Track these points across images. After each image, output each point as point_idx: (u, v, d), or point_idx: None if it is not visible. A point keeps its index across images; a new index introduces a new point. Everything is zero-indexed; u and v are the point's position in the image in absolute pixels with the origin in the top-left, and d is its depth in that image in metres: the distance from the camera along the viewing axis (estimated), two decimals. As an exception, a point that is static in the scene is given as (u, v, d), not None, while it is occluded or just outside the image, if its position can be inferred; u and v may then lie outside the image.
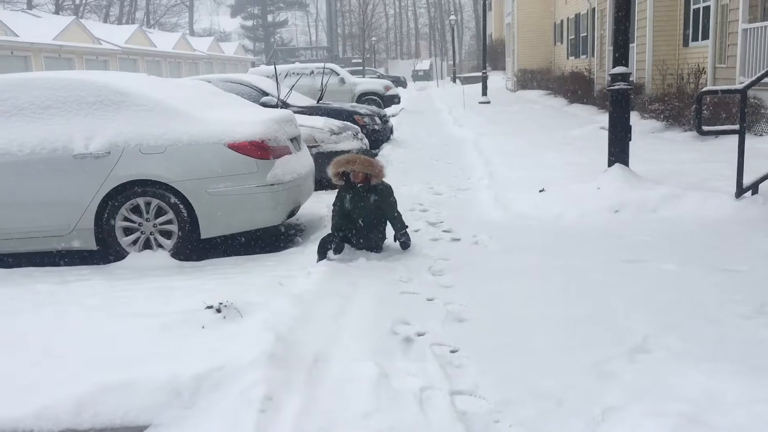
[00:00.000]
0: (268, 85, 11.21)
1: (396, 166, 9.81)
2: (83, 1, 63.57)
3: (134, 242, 5.36)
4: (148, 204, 5.28)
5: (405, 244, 5.11)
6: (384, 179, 5.15)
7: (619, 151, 6.56)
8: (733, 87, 6.73)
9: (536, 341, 3.35)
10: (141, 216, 5.31)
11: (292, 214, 5.90)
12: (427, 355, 3.27)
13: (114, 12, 68.37)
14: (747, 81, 6.07)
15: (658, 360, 3.05)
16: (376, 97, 19.53)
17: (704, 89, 6.93)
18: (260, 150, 5.32)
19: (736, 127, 5.90)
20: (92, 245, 5.36)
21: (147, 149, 5.19)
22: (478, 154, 10.74)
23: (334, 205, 5.13)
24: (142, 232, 5.36)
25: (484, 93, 23.27)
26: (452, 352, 3.30)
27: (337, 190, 5.17)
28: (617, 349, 3.18)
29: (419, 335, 3.52)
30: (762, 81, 6.05)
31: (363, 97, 19.22)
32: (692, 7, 13.87)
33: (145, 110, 5.34)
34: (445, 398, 2.82)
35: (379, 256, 4.99)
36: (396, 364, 3.15)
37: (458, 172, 9.25)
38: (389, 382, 2.94)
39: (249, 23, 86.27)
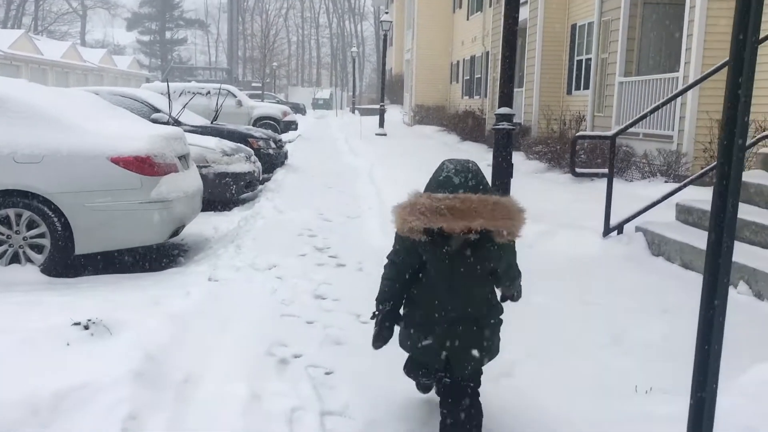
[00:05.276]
0: (161, 102, 10.93)
1: (288, 191, 9.79)
2: (-36, 2, 59.85)
3: (0, 255, 5.07)
4: (19, 216, 5.02)
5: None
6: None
7: (500, 186, 6.88)
8: (603, 134, 7.26)
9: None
10: (10, 228, 5.03)
11: (176, 233, 5.77)
12: (302, 376, 3.29)
13: (-2, 15, 64.69)
14: (616, 129, 6.57)
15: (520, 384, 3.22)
16: (273, 122, 19.46)
17: (578, 134, 7.45)
18: (145, 165, 5.19)
19: (605, 170, 6.35)
20: (-47, 257, 5.02)
21: (22, 158, 4.95)
22: (370, 183, 10.91)
23: (392, 260, 2.73)
24: (10, 245, 5.07)
25: (381, 125, 23.71)
26: (327, 374, 3.34)
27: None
28: (484, 373, 3.32)
29: (295, 357, 3.53)
30: (633, 131, 6.57)
31: (260, 121, 19.10)
32: (576, 58, 14.87)
33: (22, 117, 5.09)
34: (315, 419, 2.84)
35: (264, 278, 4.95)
36: (269, 385, 3.14)
37: (349, 201, 9.35)
38: (260, 403, 2.94)
39: (146, 38, 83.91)
